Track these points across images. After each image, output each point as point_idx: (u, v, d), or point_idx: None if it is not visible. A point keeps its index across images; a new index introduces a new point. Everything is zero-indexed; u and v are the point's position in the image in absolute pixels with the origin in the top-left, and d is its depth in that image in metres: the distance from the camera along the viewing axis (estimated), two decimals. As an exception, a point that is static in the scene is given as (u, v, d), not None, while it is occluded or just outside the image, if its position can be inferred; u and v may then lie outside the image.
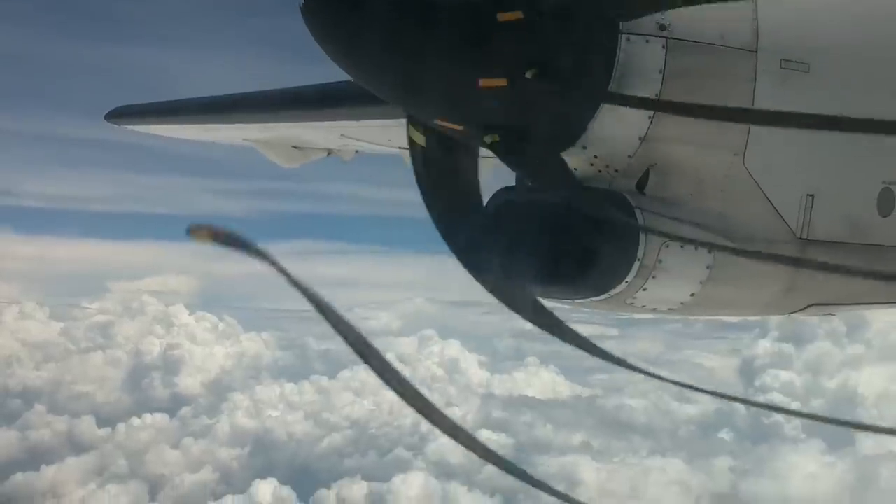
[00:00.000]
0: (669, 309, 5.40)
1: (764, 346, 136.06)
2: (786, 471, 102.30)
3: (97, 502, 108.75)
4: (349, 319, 3.83)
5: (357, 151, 6.72)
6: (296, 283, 3.56)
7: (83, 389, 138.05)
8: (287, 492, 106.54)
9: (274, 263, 3.39)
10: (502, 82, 4.74)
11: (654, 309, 5.37)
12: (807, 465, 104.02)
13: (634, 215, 5.05)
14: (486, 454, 4.69)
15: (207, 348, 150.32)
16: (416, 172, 5.37)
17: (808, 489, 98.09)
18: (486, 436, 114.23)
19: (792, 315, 6.02)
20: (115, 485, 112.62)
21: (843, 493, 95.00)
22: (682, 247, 5.12)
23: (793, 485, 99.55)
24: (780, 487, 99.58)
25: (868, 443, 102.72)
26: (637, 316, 5.59)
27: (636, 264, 5.04)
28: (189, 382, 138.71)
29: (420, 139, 5.23)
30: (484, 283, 5.05)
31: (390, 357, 4.11)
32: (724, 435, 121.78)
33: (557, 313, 5.11)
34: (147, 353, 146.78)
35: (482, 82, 4.74)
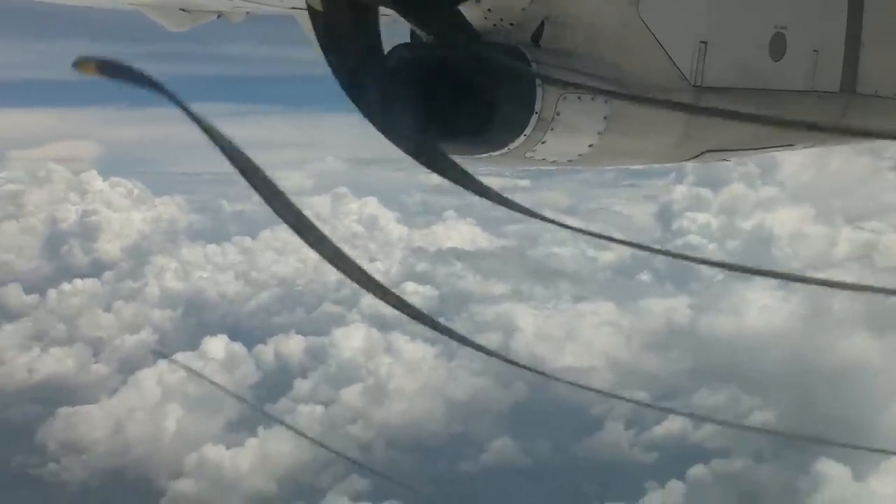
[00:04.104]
0: (569, 161, 5.45)
1: (681, 191, 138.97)
2: (741, 306, 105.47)
3: (44, 366, 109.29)
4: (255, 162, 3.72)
5: (247, 13, 6.54)
6: (197, 118, 3.45)
7: (2, 258, 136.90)
8: (238, 347, 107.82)
9: (167, 93, 3.28)
10: None
11: (554, 161, 5.41)
12: (761, 299, 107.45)
13: (531, 68, 5.05)
14: (405, 307, 4.77)
15: (124, 213, 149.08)
16: (318, 38, 5.25)
17: (764, 322, 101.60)
18: (412, 288, 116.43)
19: (688, 162, 6.13)
20: (58, 348, 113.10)
21: (798, 325, 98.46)
22: (579, 98, 5.14)
23: (748, 318, 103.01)
24: (737, 322, 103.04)
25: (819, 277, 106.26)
26: (538, 168, 5.63)
27: (534, 117, 5.05)
28: (108, 248, 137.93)
29: (317, 4, 5.11)
30: (390, 138, 5.00)
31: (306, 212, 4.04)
32: (644, 277, 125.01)
33: (464, 165, 5.10)
34: (63, 220, 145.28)
35: None
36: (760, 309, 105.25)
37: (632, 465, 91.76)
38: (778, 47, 5.75)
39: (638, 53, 5.33)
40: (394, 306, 4.76)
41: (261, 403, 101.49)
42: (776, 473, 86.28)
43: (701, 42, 5.47)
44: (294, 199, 4.09)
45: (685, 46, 5.43)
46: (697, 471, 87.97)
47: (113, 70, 3.16)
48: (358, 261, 4.50)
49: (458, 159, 5.43)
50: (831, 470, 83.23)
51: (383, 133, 5.16)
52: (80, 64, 3.14)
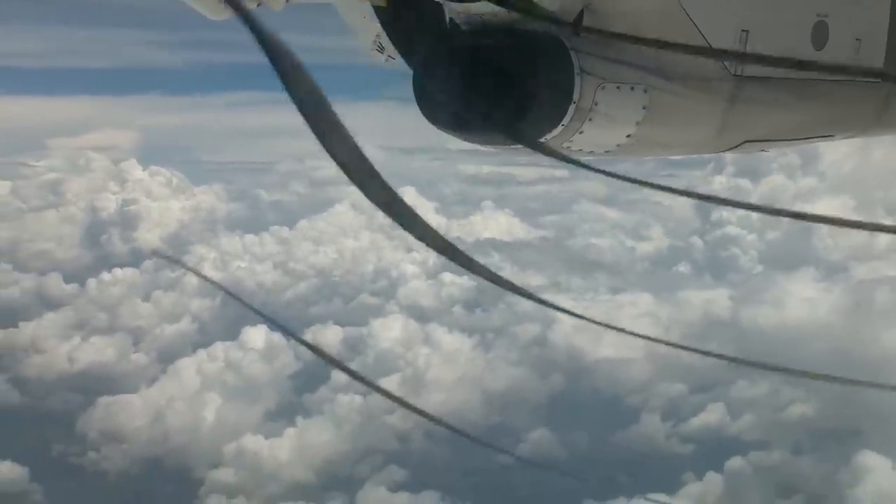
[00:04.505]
0: (606, 151, 5.41)
1: (720, 181, 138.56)
2: (783, 297, 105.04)
3: (84, 355, 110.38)
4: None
5: (288, 1, 6.53)
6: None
7: (43, 247, 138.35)
8: (278, 337, 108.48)
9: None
10: None
11: (591, 152, 5.38)
12: (803, 291, 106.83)
13: (569, 57, 5.02)
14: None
15: (163, 203, 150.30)
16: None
17: (806, 314, 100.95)
18: (449, 279, 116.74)
19: (727, 152, 6.09)
20: (99, 337, 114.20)
21: (840, 317, 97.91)
22: (617, 88, 5.11)
23: (790, 310, 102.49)
24: (779, 313, 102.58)
25: (861, 268, 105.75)
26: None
27: (571, 107, 5.03)
28: (148, 237, 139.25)
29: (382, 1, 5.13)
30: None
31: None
32: (682, 268, 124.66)
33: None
34: (102, 209, 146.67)
35: None
36: (803, 301, 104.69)
37: (669, 457, 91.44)
38: (820, 36, 5.70)
39: (678, 42, 5.29)
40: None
41: (300, 393, 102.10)
42: (816, 465, 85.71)
43: (742, 31, 5.42)
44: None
45: (726, 35, 5.39)
46: (735, 463, 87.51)
47: None
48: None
49: (496, 149, 5.44)
50: (872, 461, 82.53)
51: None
52: None
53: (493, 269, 4.75)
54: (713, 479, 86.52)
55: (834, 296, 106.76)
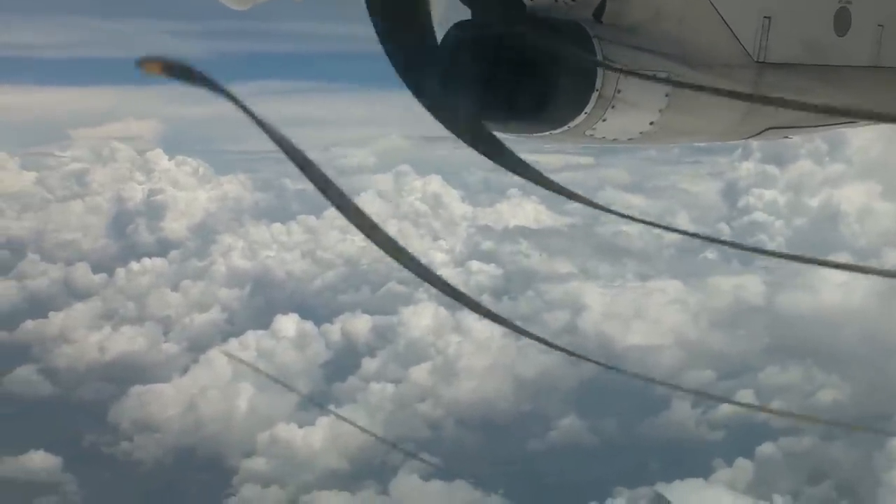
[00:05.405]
0: (630, 139, 5.44)
1: (746, 168, 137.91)
2: (817, 282, 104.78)
3: (115, 345, 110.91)
4: (311, 157, 3.87)
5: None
6: (256, 118, 3.54)
7: (70, 237, 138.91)
8: (309, 326, 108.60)
9: (231, 97, 3.36)
10: None
11: (615, 139, 5.40)
12: (838, 275, 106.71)
13: (592, 45, 5.04)
14: (459, 296, 4.83)
15: (189, 192, 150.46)
16: (371, 9, 5.26)
17: (842, 299, 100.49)
18: (476, 267, 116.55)
19: (750, 139, 6.10)
20: (129, 327, 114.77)
21: (876, 302, 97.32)
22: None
23: (825, 295, 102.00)
24: (814, 298, 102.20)
25: (893, 253, 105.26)
26: (601, 146, 5.62)
27: (594, 95, 5.05)
28: (174, 227, 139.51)
29: None
30: (438, 116, 4.99)
31: (354, 196, 4.11)
32: (710, 255, 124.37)
33: (509, 145, 5.10)
34: (128, 199, 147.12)
35: None
36: (838, 285, 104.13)
37: (699, 443, 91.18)
38: (842, 22, 5.70)
39: (701, 29, 5.31)
40: (446, 293, 4.82)
41: (329, 382, 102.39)
42: (847, 451, 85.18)
43: (765, 17, 5.43)
44: (345, 189, 4.18)
45: (749, 22, 5.40)
46: (766, 449, 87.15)
47: (177, 71, 3.23)
48: (409, 249, 4.56)
49: (520, 137, 5.47)
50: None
51: (435, 114, 5.18)
52: (144, 64, 3.18)
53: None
54: (743, 466, 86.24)
55: (868, 281, 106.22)
